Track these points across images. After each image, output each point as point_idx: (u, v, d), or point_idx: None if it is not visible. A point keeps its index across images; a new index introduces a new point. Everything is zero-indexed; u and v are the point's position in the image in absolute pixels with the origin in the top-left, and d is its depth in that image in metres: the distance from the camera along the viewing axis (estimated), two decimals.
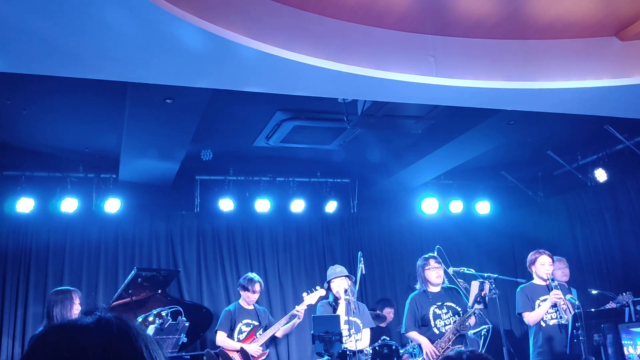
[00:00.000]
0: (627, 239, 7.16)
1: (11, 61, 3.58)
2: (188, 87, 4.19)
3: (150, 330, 4.94)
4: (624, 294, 6.19)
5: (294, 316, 5.93)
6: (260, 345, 5.89)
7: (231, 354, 5.77)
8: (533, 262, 5.46)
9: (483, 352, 5.98)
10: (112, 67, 3.71)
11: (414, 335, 5.42)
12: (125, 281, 6.03)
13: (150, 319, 5.10)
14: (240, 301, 6.12)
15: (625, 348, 4.77)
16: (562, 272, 6.05)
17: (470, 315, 5.20)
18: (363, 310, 5.65)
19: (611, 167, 7.04)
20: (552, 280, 5.31)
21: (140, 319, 5.30)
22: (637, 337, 4.76)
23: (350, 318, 5.28)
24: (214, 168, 7.32)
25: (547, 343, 5.24)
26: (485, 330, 5.98)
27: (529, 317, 5.32)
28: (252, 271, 7.42)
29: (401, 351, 5.58)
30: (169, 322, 5.03)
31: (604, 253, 7.50)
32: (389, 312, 7.55)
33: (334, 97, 4.89)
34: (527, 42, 4.30)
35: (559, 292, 5.22)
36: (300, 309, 5.88)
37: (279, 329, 5.98)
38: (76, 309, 4.74)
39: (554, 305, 5.29)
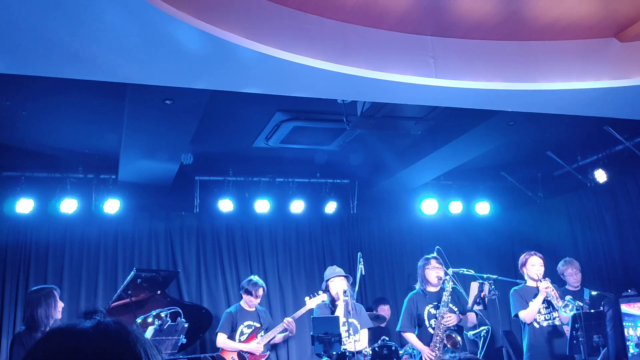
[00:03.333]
0: (627, 240, 7.16)
1: (11, 62, 3.58)
2: (187, 88, 4.19)
3: (150, 331, 4.94)
4: (628, 290, 6.16)
5: (285, 329, 5.95)
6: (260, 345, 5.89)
7: (228, 358, 5.76)
8: (524, 263, 5.49)
9: (482, 352, 5.99)
10: (111, 68, 3.71)
11: (411, 338, 5.44)
12: (125, 282, 6.03)
13: (150, 320, 5.11)
14: (242, 303, 6.13)
15: (625, 329, 4.74)
16: (574, 279, 6.01)
17: (444, 312, 5.22)
18: (360, 311, 5.65)
19: (611, 168, 7.04)
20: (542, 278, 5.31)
21: (139, 320, 5.30)
22: (638, 319, 4.73)
23: (349, 319, 5.29)
24: (214, 169, 7.32)
25: (539, 344, 5.24)
26: (484, 331, 6.00)
27: (525, 315, 5.31)
28: (251, 272, 7.44)
29: (400, 352, 5.58)
30: (168, 323, 5.04)
31: (603, 254, 7.49)
32: (385, 310, 7.57)
33: (334, 98, 4.89)
34: (526, 44, 4.29)
35: (548, 282, 5.21)
36: (291, 320, 5.89)
37: (276, 335, 5.98)
38: (60, 306, 4.68)
39: (548, 305, 5.28)
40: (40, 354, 0.99)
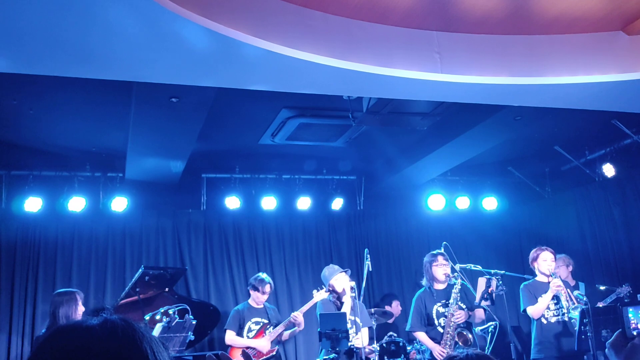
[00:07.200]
0: (635, 234, 7.12)
1: (17, 61, 3.60)
2: (193, 85, 4.20)
3: (158, 328, 4.97)
4: (622, 286, 6.17)
5: (293, 324, 5.93)
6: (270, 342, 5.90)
7: (234, 357, 5.77)
8: (535, 258, 5.46)
9: (490, 348, 5.98)
10: (117, 67, 3.72)
11: (422, 337, 5.41)
12: (133, 279, 6.05)
13: (158, 317, 5.14)
14: (250, 300, 6.14)
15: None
16: (565, 273, 6.03)
17: (454, 309, 5.20)
18: (362, 309, 5.64)
19: (619, 162, 7.00)
20: (554, 275, 5.29)
21: (147, 317, 5.33)
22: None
23: (355, 318, 5.29)
24: (220, 166, 7.34)
25: (547, 339, 5.22)
26: (492, 327, 5.99)
27: (532, 311, 5.30)
28: (259, 268, 7.46)
29: (409, 348, 5.58)
30: (176, 320, 5.06)
31: (612, 248, 7.46)
32: (396, 306, 7.55)
33: (339, 94, 4.88)
34: (532, 38, 4.27)
35: (559, 280, 5.19)
36: (298, 314, 5.87)
37: (284, 332, 5.96)
38: (80, 310, 4.74)
39: (557, 301, 5.27)
40: (46, 352, 0.99)
